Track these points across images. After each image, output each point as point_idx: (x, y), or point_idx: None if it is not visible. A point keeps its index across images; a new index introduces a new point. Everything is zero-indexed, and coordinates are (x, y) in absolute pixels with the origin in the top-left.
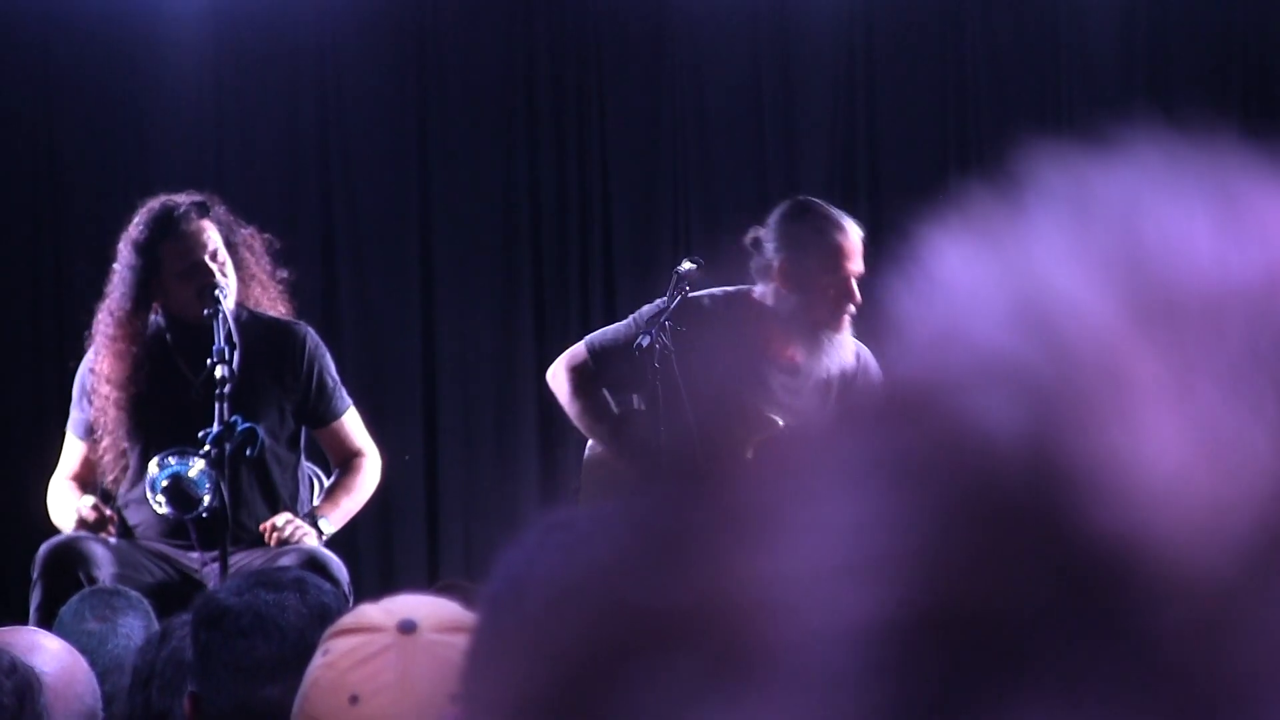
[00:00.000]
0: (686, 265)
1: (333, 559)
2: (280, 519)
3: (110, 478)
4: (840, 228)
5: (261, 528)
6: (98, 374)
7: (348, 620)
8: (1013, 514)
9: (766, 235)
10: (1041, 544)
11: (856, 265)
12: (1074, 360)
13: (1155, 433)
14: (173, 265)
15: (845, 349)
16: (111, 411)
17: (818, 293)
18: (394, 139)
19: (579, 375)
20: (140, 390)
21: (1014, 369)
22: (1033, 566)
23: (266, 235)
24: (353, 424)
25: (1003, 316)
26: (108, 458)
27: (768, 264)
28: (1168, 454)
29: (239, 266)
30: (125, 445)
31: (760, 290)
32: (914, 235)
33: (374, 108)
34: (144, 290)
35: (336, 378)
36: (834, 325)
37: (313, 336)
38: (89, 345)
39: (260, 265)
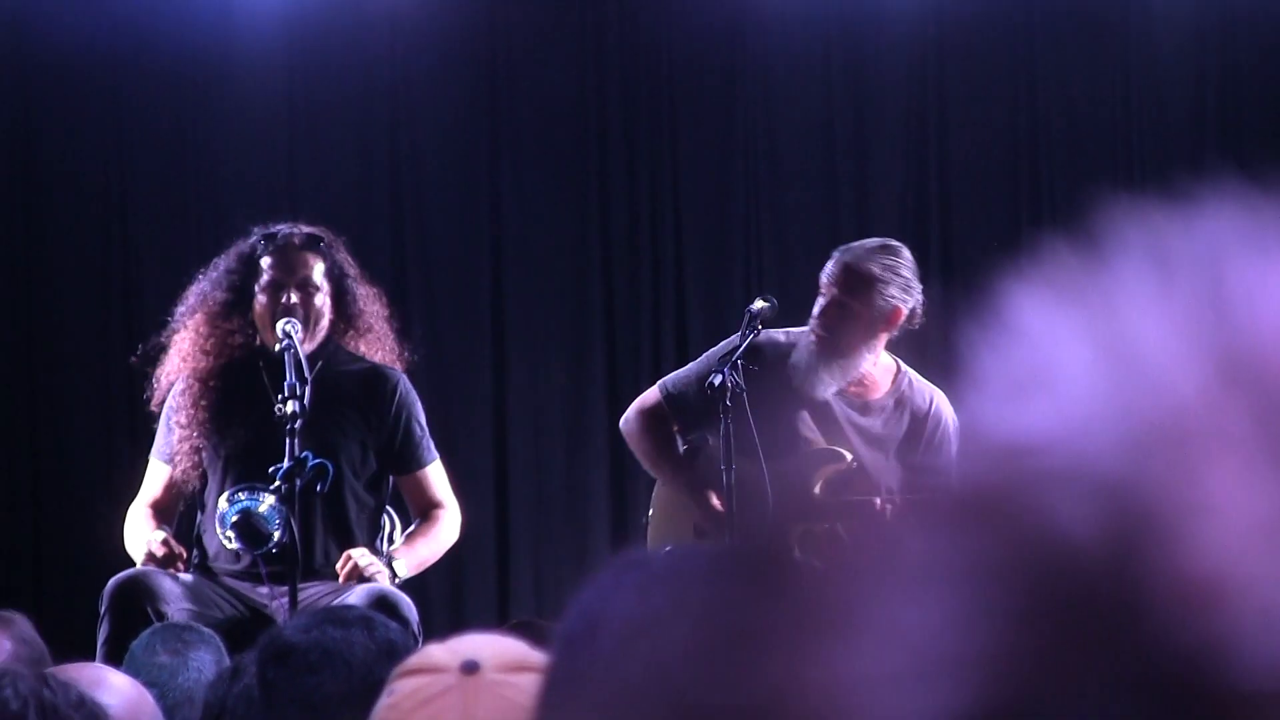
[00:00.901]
0: (759, 304)
1: (403, 598)
2: (357, 553)
3: (184, 483)
4: (833, 256)
5: (341, 563)
6: (186, 382)
7: (413, 661)
8: (1093, 618)
9: None
10: (1121, 649)
11: (825, 286)
12: (1165, 411)
13: (1240, 514)
14: (263, 277)
15: (837, 372)
16: (190, 410)
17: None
18: (465, 175)
19: (649, 417)
20: (224, 406)
21: (1091, 468)
22: (1110, 672)
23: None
24: (437, 476)
25: (1090, 367)
26: (184, 465)
27: None
28: (1253, 541)
29: (352, 314)
30: (203, 449)
31: None
32: (992, 286)
33: (446, 142)
34: (236, 294)
35: (425, 429)
36: (813, 343)
37: (405, 383)
38: (166, 336)
39: (377, 319)
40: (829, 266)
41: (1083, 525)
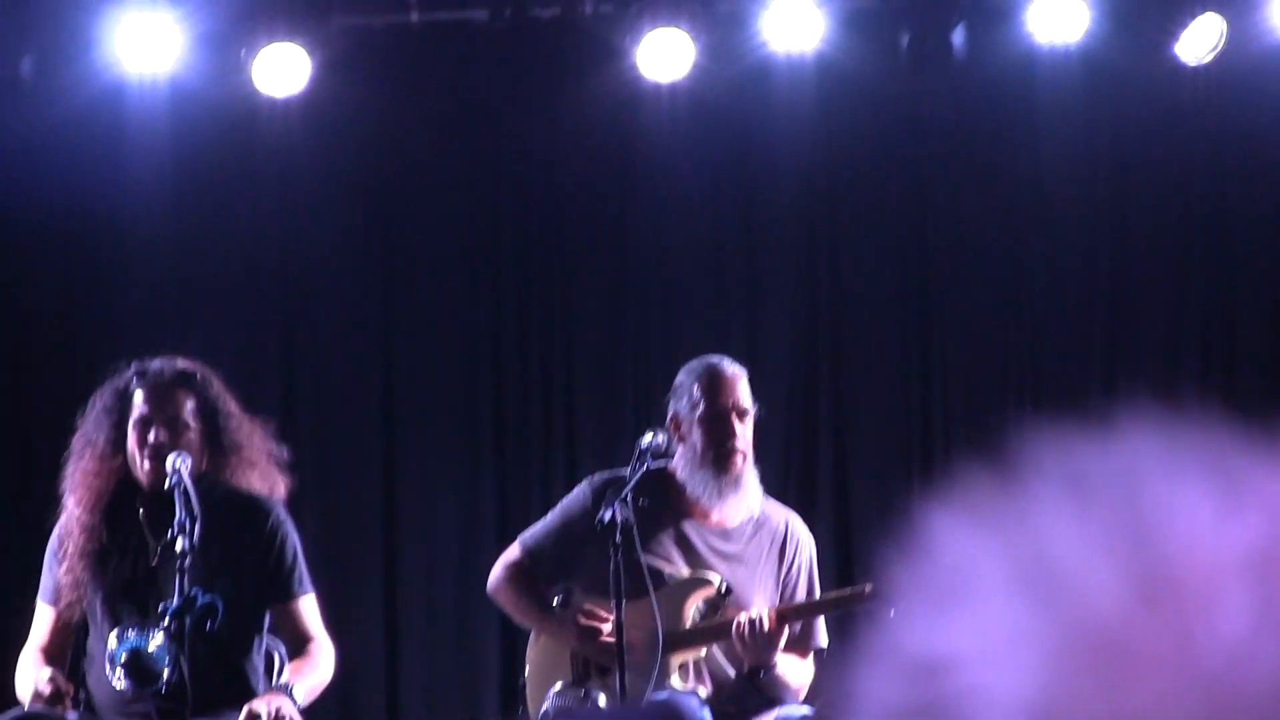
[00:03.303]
0: (649, 437)
1: None
2: (258, 704)
3: (69, 626)
4: (710, 364)
5: (248, 714)
6: (68, 520)
7: None
8: None
9: (669, 400)
10: None
11: (731, 398)
12: (1085, 629)
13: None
14: (133, 412)
15: (754, 491)
16: (70, 550)
17: (700, 431)
18: (358, 310)
19: (515, 573)
20: (105, 543)
21: (1011, 685)
22: None
23: (261, 418)
24: (310, 609)
25: (1007, 586)
26: (67, 608)
27: (667, 422)
28: None
29: (226, 448)
30: (85, 593)
31: (675, 460)
32: (905, 505)
33: (338, 277)
34: (115, 431)
35: (302, 561)
36: (722, 465)
37: (281, 512)
38: (60, 504)
39: (251, 444)
40: (735, 384)
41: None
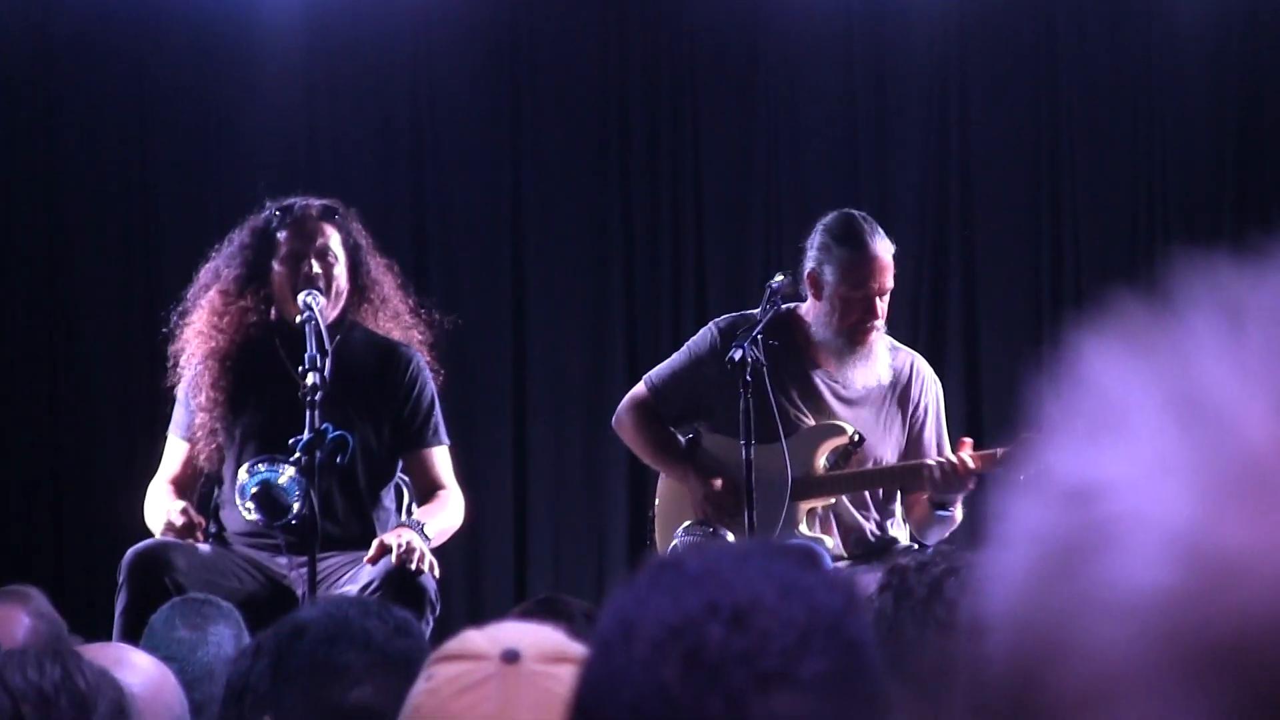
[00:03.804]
0: (779, 279)
1: (424, 573)
2: (389, 537)
3: (204, 460)
4: (864, 244)
5: (379, 546)
6: (203, 356)
7: (452, 646)
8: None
9: (806, 245)
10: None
11: (878, 283)
12: (1237, 456)
13: None
14: (280, 250)
15: (883, 361)
16: (209, 389)
17: (839, 304)
18: (487, 152)
19: (642, 413)
20: (240, 379)
21: (1164, 512)
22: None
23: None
24: (443, 460)
25: (1161, 414)
26: (203, 443)
27: (803, 272)
28: None
29: (365, 287)
30: (221, 427)
31: (804, 305)
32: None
33: (467, 120)
34: (251, 269)
35: (437, 411)
36: (856, 339)
37: (420, 361)
38: (183, 315)
39: (392, 290)
40: (887, 270)
41: (1156, 571)
